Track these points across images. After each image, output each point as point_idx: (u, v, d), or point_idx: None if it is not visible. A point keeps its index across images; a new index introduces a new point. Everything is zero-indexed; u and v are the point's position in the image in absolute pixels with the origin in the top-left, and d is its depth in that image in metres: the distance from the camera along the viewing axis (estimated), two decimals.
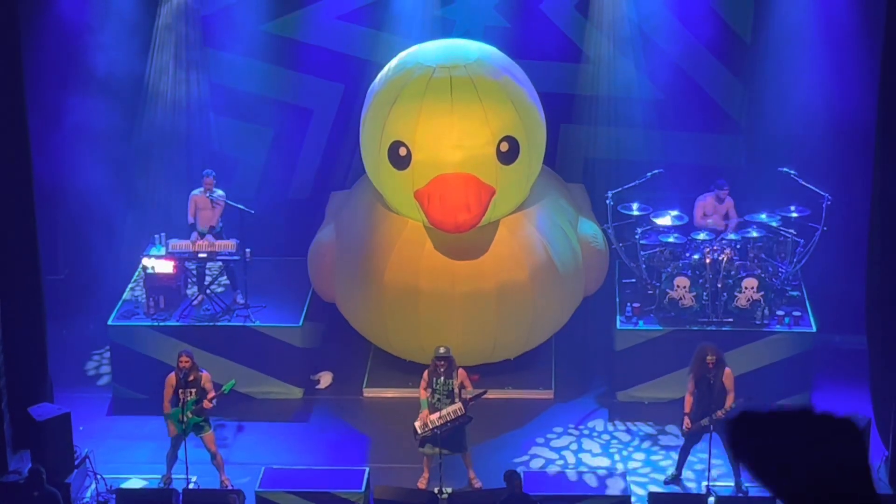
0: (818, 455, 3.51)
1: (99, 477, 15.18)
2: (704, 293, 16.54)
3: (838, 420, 3.54)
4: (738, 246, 16.75)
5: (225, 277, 17.58)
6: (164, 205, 18.07)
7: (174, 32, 17.92)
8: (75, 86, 17.59)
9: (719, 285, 16.48)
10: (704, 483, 14.99)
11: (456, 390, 14.89)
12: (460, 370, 15.00)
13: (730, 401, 14.67)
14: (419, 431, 14.86)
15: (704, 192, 17.43)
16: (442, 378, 14.89)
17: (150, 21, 17.79)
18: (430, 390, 14.95)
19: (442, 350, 14.91)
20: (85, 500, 15.02)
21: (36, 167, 15.34)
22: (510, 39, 17.75)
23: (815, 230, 16.57)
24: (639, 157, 18.03)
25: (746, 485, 14.96)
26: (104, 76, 17.62)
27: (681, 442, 15.29)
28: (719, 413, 14.63)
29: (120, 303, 17.25)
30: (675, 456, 15.42)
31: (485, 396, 15.13)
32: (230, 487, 14.94)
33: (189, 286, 17.41)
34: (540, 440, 16.07)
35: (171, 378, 14.93)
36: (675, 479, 15.12)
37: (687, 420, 14.74)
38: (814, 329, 16.48)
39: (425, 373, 15.05)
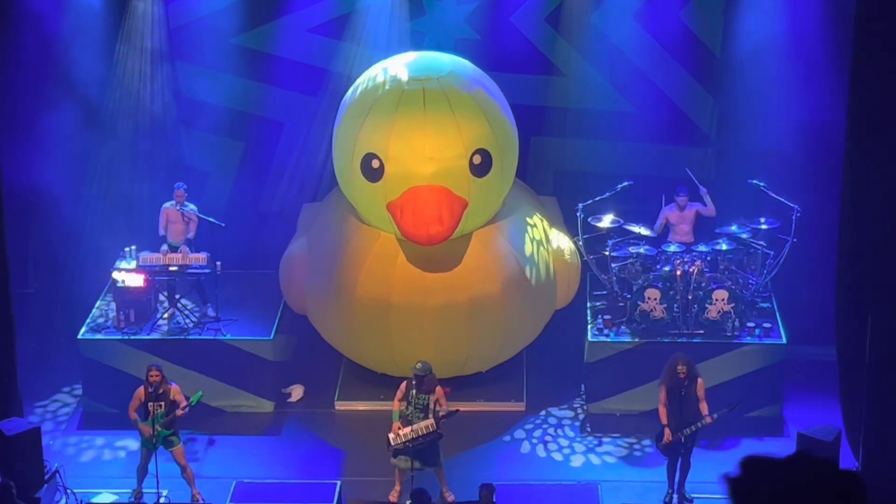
0: None
1: (69, 491, 15.09)
2: (675, 305, 16.59)
3: (842, 473, 3.47)
4: (709, 258, 16.81)
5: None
6: (134, 217, 18.00)
7: (145, 45, 17.86)
8: (47, 97, 17.52)
9: (690, 297, 16.54)
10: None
11: (431, 406, 14.88)
12: (438, 388, 14.96)
13: (705, 409, 14.70)
14: (392, 443, 14.84)
15: (671, 203, 17.48)
16: (414, 391, 14.87)
17: (121, 33, 17.72)
18: (405, 402, 14.93)
19: (419, 366, 14.88)
20: None
21: (5, 179, 15.26)
22: (481, 52, 17.79)
23: (785, 242, 16.66)
24: (609, 169, 18.09)
25: (692, 494, 15.00)
26: (77, 87, 17.57)
27: (655, 454, 15.30)
28: (707, 420, 14.65)
29: (90, 316, 17.16)
30: (649, 468, 15.47)
31: (457, 410, 15.13)
32: (201, 501, 14.89)
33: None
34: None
35: (140, 391, 14.89)
36: (672, 496, 15.08)
37: (668, 431, 14.76)
38: (784, 340, 16.56)
39: (403, 384, 15.02)
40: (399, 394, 14.98)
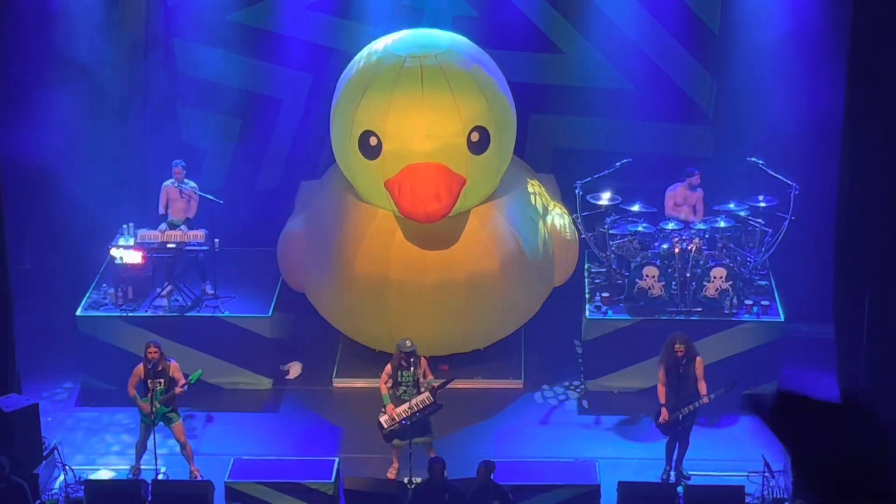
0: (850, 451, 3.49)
1: (67, 468, 15.11)
2: (673, 283, 16.60)
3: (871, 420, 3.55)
4: (707, 235, 16.81)
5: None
6: (132, 195, 17.98)
7: (143, 22, 17.82)
8: (46, 74, 17.50)
9: (688, 275, 16.54)
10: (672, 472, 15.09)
11: (420, 379, 14.91)
12: (422, 359, 15.01)
13: (703, 388, 14.72)
14: (385, 426, 14.82)
15: (674, 182, 17.47)
16: (411, 369, 14.89)
17: (118, 9, 17.69)
18: (391, 383, 14.93)
19: (408, 343, 14.89)
20: (53, 492, 14.95)
21: (3, 156, 15.23)
22: (479, 29, 17.76)
23: (783, 220, 16.65)
24: (608, 147, 18.07)
25: (689, 472, 15.04)
26: (75, 65, 17.54)
27: (653, 431, 15.32)
28: (704, 401, 14.68)
29: (88, 293, 17.17)
30: (646, 445, 15.49)
31: (455, 386, 15.16)
32: (199, 478, 14.91)
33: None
34: None
35: (139, 368, 14.91)
36: (669, 474, 15.12)
37: (664, 411, 14.78)
38: (782, 318, 16.57)
39: (387, 366, 15.02)
40: (384, 376, 14.98)
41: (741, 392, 15.95)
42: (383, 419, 14.84)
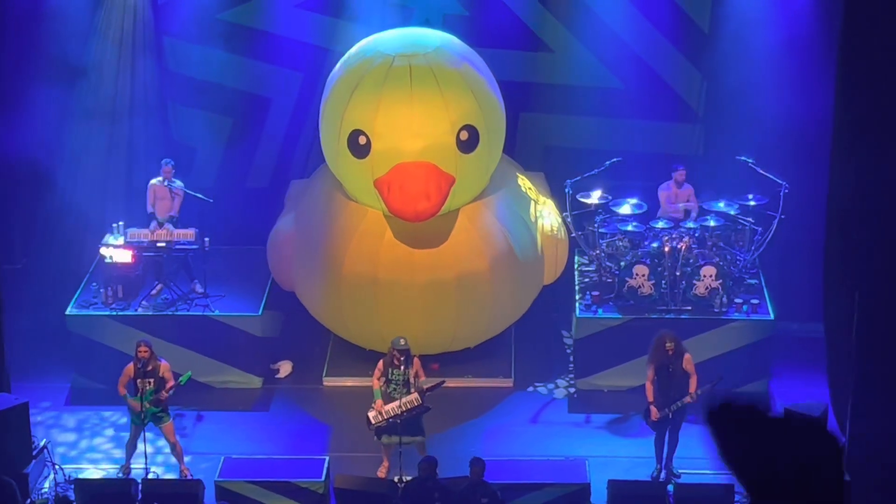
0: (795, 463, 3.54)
1: (57, 467, 15.10)
2: (663, 281, 16.61)
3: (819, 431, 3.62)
4: (697, 234, 16.83)
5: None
6: (122, 194, 17.96)
7: (132, 21, 17.81)
8: (36, 73, 17.47)
9: (678, 273, 16.56)
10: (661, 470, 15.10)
11: (411, 379, 14.91)
12: (415, 359, 15.01)
13: (694, 384, 14.74)
14: (373, 422, 14.83)
15: (665, 180, 17.49)
16: (402, 368, 14.89)
17: (108, 8, 17.68)
18: (383, 380, 14.94)
19: (402, 342, 14.89)
20: (43, 491, 14.93)
21: None
22: (469, 28, 17.75)
23: (773, 218, 16.67)
24: (598, 145, 18.07)
25: (679, 470, 15.06)
26: (63, 63, 17.51)
27: (643, 430, 15.33)
28: (687, 398, 14.71)
29: (78, 292, 17.15)
30: (635, 442, 15.50)
31: (445, 385, 15.16)
32: (189, 477, 14.90)
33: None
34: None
35: (129, 368, 14.89)
36: (659, 471, 15.14)
37: (654, 409, 14.80)
38: (772, 317, 16.59)
39: (380, 363, 15.04)
40: (377, 372, 15.00)
41: (731, 390, 16.00)
42: (371, 414, 14.86)
